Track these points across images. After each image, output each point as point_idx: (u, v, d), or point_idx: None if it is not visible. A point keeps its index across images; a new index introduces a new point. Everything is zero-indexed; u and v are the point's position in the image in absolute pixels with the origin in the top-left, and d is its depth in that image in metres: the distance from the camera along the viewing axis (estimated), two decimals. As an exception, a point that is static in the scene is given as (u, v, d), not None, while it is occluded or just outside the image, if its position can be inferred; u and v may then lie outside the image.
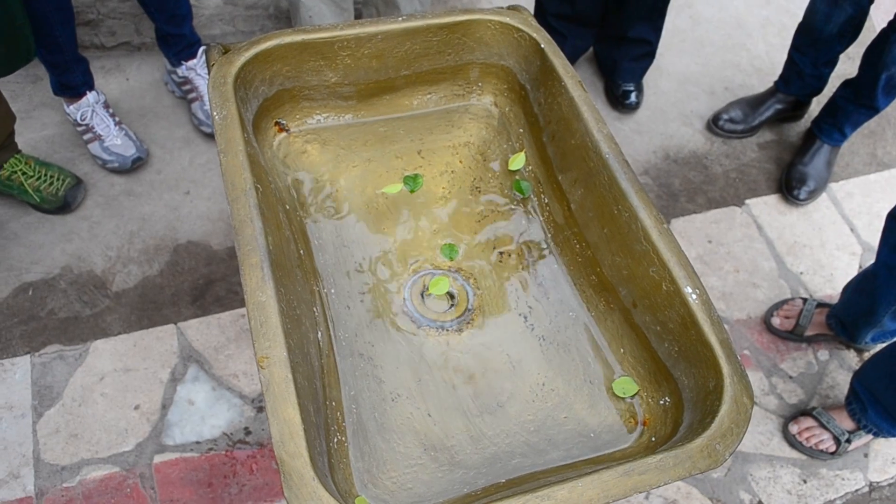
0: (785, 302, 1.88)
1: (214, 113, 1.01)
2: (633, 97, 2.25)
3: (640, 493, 0.80)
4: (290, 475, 0.74)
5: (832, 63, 2.11)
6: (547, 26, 2.06)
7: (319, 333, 0.98)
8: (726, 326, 1.81)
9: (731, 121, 2.24)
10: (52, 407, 1.55)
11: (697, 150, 2.22)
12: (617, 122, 2.27)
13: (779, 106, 2.25)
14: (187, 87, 1.97)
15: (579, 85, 1.13)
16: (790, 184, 2.12)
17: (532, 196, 1.22)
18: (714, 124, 2.25)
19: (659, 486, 0.81)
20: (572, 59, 2.26)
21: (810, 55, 2.08)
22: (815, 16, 1.98)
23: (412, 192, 1.21)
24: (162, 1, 1.78)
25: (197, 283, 1.76)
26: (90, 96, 1.86)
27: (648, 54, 2.22)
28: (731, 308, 1.90)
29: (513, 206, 1.23)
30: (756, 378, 1.78)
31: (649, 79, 2.35)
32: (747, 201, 2.13)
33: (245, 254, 0.88)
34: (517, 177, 1.24)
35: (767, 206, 2.12)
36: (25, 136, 1.94)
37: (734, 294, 1.93)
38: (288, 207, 1.11)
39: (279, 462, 0.75)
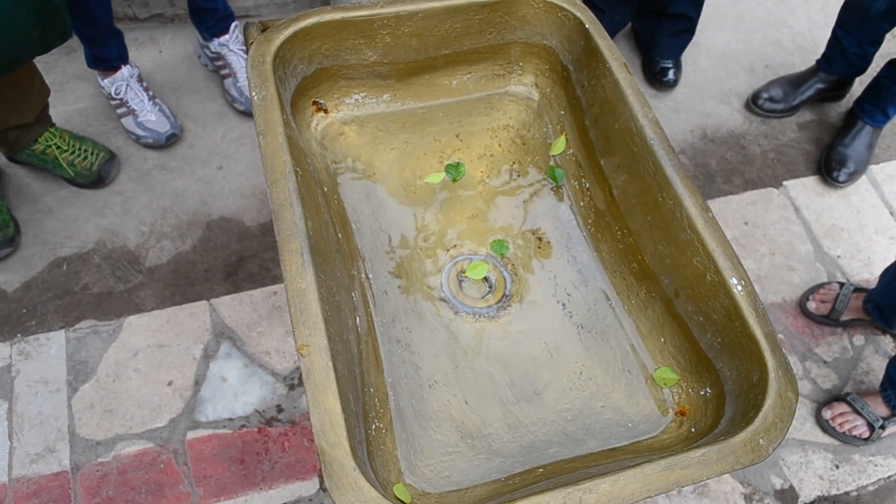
0: (821, 286, 1.85)
1: (253, 93, 0.99)
2: (671, 74, 2.20)
3: (683, 486, 0.79)
4: (330, 465, 0.74)
5: (878, 42, 2.04)
6: (585, 0, 2.01)
7: (358, 319, 0.98)
8: (762, 311, 1.79)
9: (771, 100, 2.19)
10: (86, 382, 1.57)
11: (735, 130, 2.17)
12: (654, 99, 2.23)
13: (820, 85, 2.19)
14: (220, 62, 1.96)
15: (624, 67, 1.10)
16: (829, 165, 2.07)
17: (572, 181, 1.20)
18: (753, 103, 2.20)
19: (702, 481, 0.80)
20: (610, 34, 2.21)
21: (856, 34, 2.02)
22: None
23: (454, 181, 1.19)
24: (195, -27, 1.77)
25: (229, 260, 1.77)
26: (125, 70, 1.85)
27: (688, 30, 2.17)
28: (766, 291, 1.87)
29: (552, 191, 1.21)
30: (790, 362, 1.76)
31: (688, 55, 2.30)
32: (785, 183, 2.09)
33: (285, 239, 0.87)
34: (552, 163, 1.22)
35: (805, 188, 2.08)
36: (59, 109, 1.94)
37: (769, 277, 1.90)
38: (326, 190, 1.09)
39: (319, 452, 0.75)
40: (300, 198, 0.91)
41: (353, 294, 1.00)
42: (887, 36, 2.09)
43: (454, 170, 1.18)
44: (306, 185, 0.97)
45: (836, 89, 2.21)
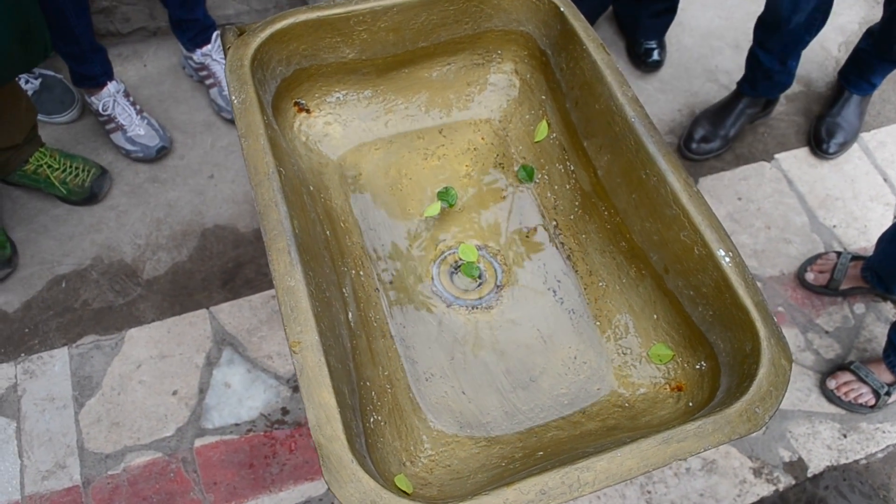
0: (818, 256, 1.85)
1: (233, 97, 1.00)
2: (655, 55, 2.20)
3: (680, 459, 0.80)
4: (328, 458, 0.74)
5: (798, 56, 1.92)
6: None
7: (350, 314, 0.98)
8: (759, 284, 1.79)
9: (704, 140, 2.04)
10: (92, 397, 1.58)
11: (723, 106, 2.17)
12: (640, 81, 2.22)
13: (750, 111, 2.06)
14: (204, 72, 1.96)
15: (601, 48, 1.10)
16: (819, 137, 2.06)
17: (557, 164, 1.20)
18: (687, 149, 2.05)
19: (699, 453, 0.80)
20: (591, 18, 2.21)
21: (776, 51, 1.89)
22: (781, 5, 1.77)
23: (451, 206, 1.19)
24: (174, -15, 1.77)
25: (226, 267, 1.77)
26: (111, 86, 1.86)
27: (670, 9, 2.16)
28: (763, 265, 1.87)
29: (537, 180, 1.21)
30: (792, 334, 1.76)
31: (671, 35, 2.30)
32: (776, 156, 2.09)
33: (272, 238, 0.88)
34: (522, 162, 1.22)
35: (797, 160, 2.08)
36: (48, 129, 1.95)
37: (766, 251, 1.90)
38: (312, 189, 1.10)
39: (317, 446, 0.75)
40: (285, 197, 0.91)
41: (343, 290, 1.00)
42: (870, 1, 2.07)
43: (446, 195, 1.18)
44: (291, 185, 0.98)
45: (766, 107, 2.11)
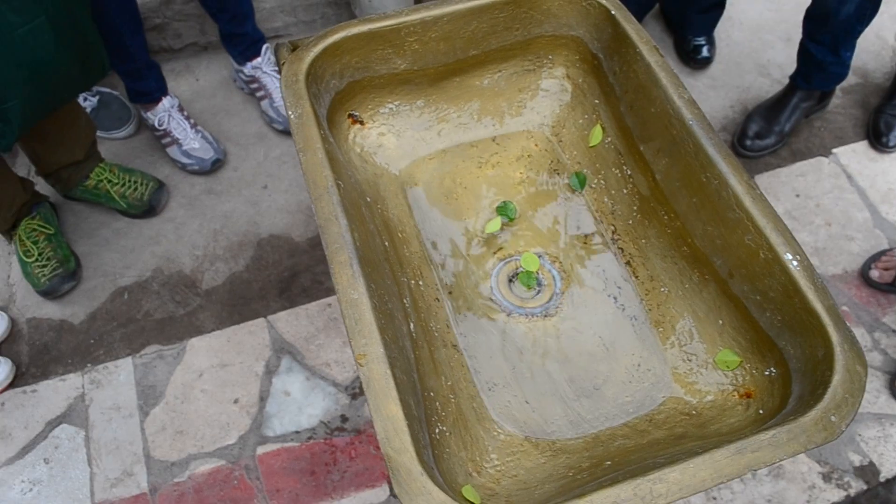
0: (883, 253, 1.80)
1: (290, 112, 1.01)
2: (705, 51, 2.17)
3: (754, 470, 0.78)
4: (398, 471, 0.75)
5: (853, 46, 1.84)
6: (610, -15, 2.00)
7: (412, 325, 0.99)
8: (821, 283, 1.75)
9: (758, 136, 1.99)
10: (156, 405, 1.61)
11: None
12: (690, 78, 2.19)
13: (804, 105, 1.99)
14: (255, 85, 1.99)
15: (655, 50, 1.09)
16: (878, 130, 2.00)
17: (613, 169, 1.19)
18: (740, 146, 1.99)
19: (774, 463, 0.79)
20: (639, 16, 2.18)
21: (828, 42, 1.81)
22: None
23: (511, 220, 1.18)
24: (223, 1, 1.80)
25: (282, 276, 1.80)
26: (165, 101, 1.90)
27: (718, 4, 2.13)
28: (825, 263, 1.83)
29: (593, 185, 1.20)
30: (857, 334, 1.71)
31: (721, 30, 2.26)
32: (834, 150, 2.03)
33: (333, 252, 0.89)
34: (576, 168, 1.21)
35: (856, 154, 2.02)
36: (107, 145, 2.00)
37: (827, 249, 1.85)
38: (369, 200, 1.11)
39: (386, 458, 0.76)
40: (344, 210, 0.92)
41: (404, 301, 1.01)
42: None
43: (505, 210, 1.17)
44: (349, 197, 0.99)
45: (822, 100, 2.04)
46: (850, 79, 2.17)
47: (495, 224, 1.17)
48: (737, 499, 1.51)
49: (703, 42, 2.17)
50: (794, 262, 0.90)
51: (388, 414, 0.78)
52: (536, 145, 1.25)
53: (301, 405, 1.61)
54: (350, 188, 1.03)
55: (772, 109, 2.00)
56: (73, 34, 1.38)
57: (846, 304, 1.76)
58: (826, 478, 1.54)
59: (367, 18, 1.12)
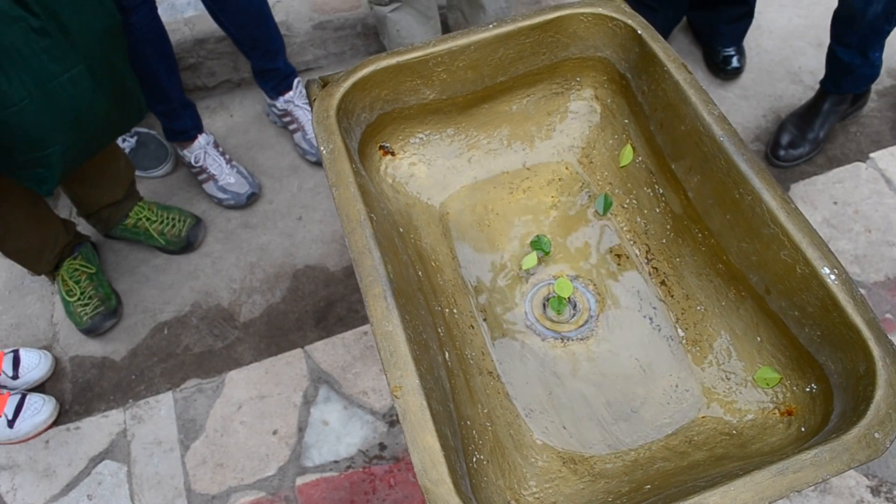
0: (927, 259, 1.76)
1: (322, 147, 1.03)
2: (735, 61, 2.15)
3: (797, 491, 0.76)
4: (435, 503, 0.75)
5: (882, 46, 1.80)
6: (636, 1, 1.99)
7: (447, 354, 0.99)
8: (864, 291, 1.71)
9: (792, 146, 1.95)
10: (197, 439, 1.63)
11: (811, 109, 2.09)
12: (720, 89, 2.17)
13: (838, 109, 1.96)
14: (287, 118, 2.03)
15: (683, 67, 1.09)
16: (918, 132, 1.97)
17: (645, 188, 1.18)
18: (775, 157, 1.97)
19: (817, 483, 0.77)
20: (666, 31, 2.18)
21: (856, 45, 1.78)
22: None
23: (547, 254, 1.18)
24: (255, 38, 1.84)
25: (318, 306, 1.81)
26: (201, 139, 1.94)
27: (746, 14, 2.11)
28: (866, 271, 1.79)
29: (625, 205, 1.19)
30: (904, 345, 1.67)
31: (750, 39, 2.24)
32: (871, 155, 2.00)
33: (367, 285, 0.89)
34: (606, 191, 1.21)
35: (895, 158, 1.98)
36: (145, 183, 2.05)
37: (868, 256, 1.81)
38: (402, 230, 1.12)
39: (423, 490, 0.76)
40: (377, 243, 0.93)
41: (439, 330, 1.01)
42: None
43: (539, 245, 1.17)
44: (382, 229, 1.00)
45: (855, 103, 2.01)
46: (885, 80, 2.13)
47: (531, 260, 1.16)
48: (786, 518, 1.48)
49: (732, 52, 2.16)
50: (832, 277, 0.88)
51: (424, 445, 0.78)
52: (567, 168, 1.25)
53: (339, 434, 1.62)
54: (382, 220, 1.04)
55: (804, 117, 1.97)
56: (111, 80, 1.42)
57: (889, 312, 1.72)
58: (875, 491, 1.50)
59: (395, 52, 1.13)
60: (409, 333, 0.87)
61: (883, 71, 2.10)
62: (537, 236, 1.18)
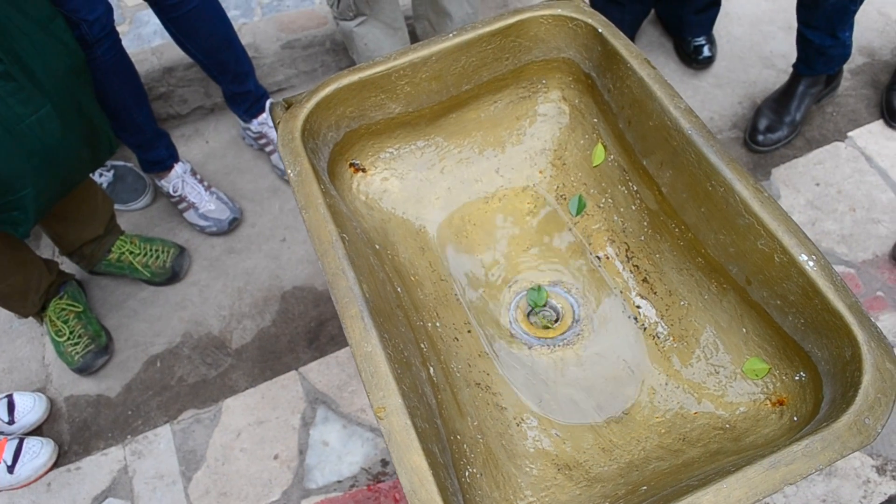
0: (913, 232, 1.76)
1: (289, 170, 1.02)
2: (706, 51, 2.15)
3: (791, 484, 0.76)
4: (427, 524, 0.74)
5: (851, 25, 1.80)
6: (602, -1, 2.00)
7: (432, 369, 0.98)
8: (852, 270, 1.71)
9: (769, 130, 1.96)
10: (198, 470, 1.62)
11: (786, 91, 2.10)
12: (694, 79, 2.17)
13: (812, 91, 1.96)
14: (263, 140, 2.02)
15: (646, 63, 1.08)
16: (892, 107, 1.97)
17: (619, 186, 1.18)
18: (753, 142, 1.98)
19: (810, 474, 0.76)
20: (635, 25, 2.18)
21: (823, 26, 1.79)
22: None
23: (543, 305, 1.16)
24: (223, 63, 1.83)
25: (309, 326, 1.80)
26: (178, 167, 1.93)
27: (714, 2, 2.11)
28: (853, 250, 1.79)
29: (601, 205, 1.19)
30: (895, 320, 1.67)
31: (719, 27, 2.24)
32: (850, 134, 2.00)
33: (343, 306, 0.89)
34: (580, 192, 1.20)
35: (873, 135, 1.98)
36: (125, 217, 2.04)
37: (855, 235, 1.81)
38: (378, 247, 1.11)
39: (414, 512, 0.75)
40: (351, 263, 0.92)
41: (421, 346, 1.00)
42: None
43: (537, 294, 1.14)
44: (355, 248, 0.99)
45: (829, 84, 2.01)
46: (857, 59, 2.13)
47: (550, 333, 1.12)
48: (791, 502, 1.47)
49: (703, 42, 2.16)
50: (811, 263, 0.88)
51: (411, 465, 0.77)
52: (541, 171, 1.24)
53: (340, 454, 1.61)
54: (356, 239, 1.03)
55: (779, 101, 1.97)
56: (78, 118, 1.41)
57: (881, 290, 1.72)
58: (880, 470, 1.49)
59: (356, 68, 1.13)
60: (390, 352, 0.86)
61: (854, 49, 2.11)
62: (537, 286, 1.15)
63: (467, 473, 0.91)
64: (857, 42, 2.10)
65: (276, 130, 1.08)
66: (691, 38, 2.15)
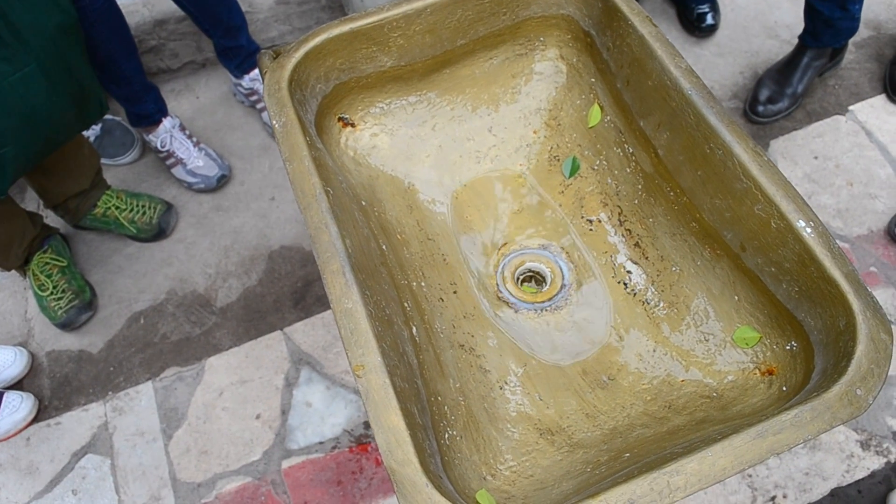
0: (910, 209, 1.73)
1: (274, 121, 0.99)
2: (709, 18, 2.11)
3: (778, 453, 0.74)
4: (402, 484, 0.72)
5: None
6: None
7: (414, 328, 0.96)
8: (847, 245, 1.69)
9: (770, 101, 1.92)
10: (179, 428, 1.61)
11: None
12: (696, 47, 2.13)
13: (816, 63, 1.92)
14: (254, 97, 1.98)
15: (648, 20, 1.04)
16: (895, 82, 1.93)
17: (615, 148, 1.15)
18: (753, 113, 1.94)
19: (798, 444, 0.74)
20: (638, -10, 2.13)
21: None
22: None
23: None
24: (215, 15, 1.78)
25: (296, 287, 1.78)
26: (166, 122, 1.89)
27: (719, -31, 2.07)
28: (849, 225, 1.77)
29: (595, 167, 1.16)
30: (888, 295, 1.65)
31: (724, -5, 2.20)
32: (851, 108, 1.96)
33: (325, 261, 0.86)
34: (574, 153, 1.17)
35: (874, 109, 1.95)
36: (112, 171, 2.00)
37: (851, 209, 1.79)
38: (364, 204, 1.08)
39: (389, 471, 0.73)
40: (334, 217, 0.89)
41: (405, 305, 0.98)
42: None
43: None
44: (340, 203, 0.96)
45: (834, 57, 1.97)
46: (863, 32, 2.09)
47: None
48: (773, 474, 1.46)
49: (706, 9, 2.11)
50: (808, 230, 0.85)
51: (388, 425, 0.75)
52: (535, 132, 1.21)
53: (323, 415, 1.59)
54: (341, 194, 1.00)
55: (782, 72, 1.93)
56: (66, 79, 1.37)
57: (874, 265, 1.70)
58: (864, 445, 1.48)
59: (347, 18, 1.09)
60: (371, 310, 0.83)
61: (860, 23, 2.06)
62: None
63: (447, 436, 0.89)
64: (863, 15, 2.06)
65: (263, 80, 1.04)
66: (695, 6, 2.11)
